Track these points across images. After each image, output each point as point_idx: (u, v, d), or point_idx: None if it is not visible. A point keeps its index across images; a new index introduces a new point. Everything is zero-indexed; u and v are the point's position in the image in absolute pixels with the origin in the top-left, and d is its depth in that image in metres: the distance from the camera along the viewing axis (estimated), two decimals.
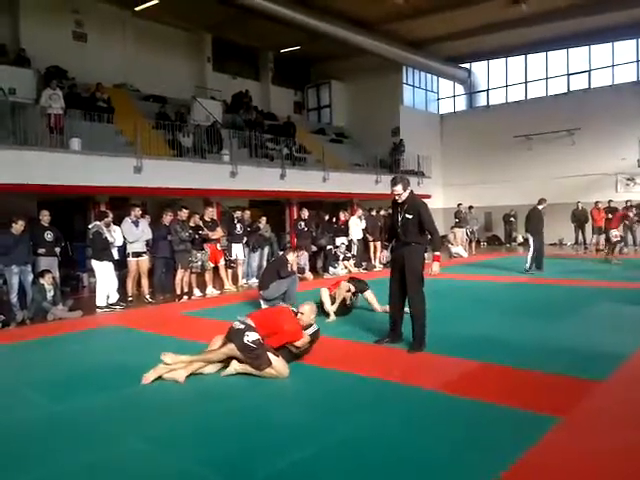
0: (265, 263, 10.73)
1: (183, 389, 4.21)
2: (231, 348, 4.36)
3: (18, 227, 7.80)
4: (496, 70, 21.55)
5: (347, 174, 17.03)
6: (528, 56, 20.52)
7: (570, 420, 3.33)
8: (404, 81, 21.29)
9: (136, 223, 8.99)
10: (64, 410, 3.85)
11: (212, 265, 9.77)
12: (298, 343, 4.70)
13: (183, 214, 9.26)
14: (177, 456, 3.05)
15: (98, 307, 8.32)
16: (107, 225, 8.55)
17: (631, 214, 14.63)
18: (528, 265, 10.88)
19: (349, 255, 12.50)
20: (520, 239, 18.10)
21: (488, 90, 21.77)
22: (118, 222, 9.01)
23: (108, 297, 8.45)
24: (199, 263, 9.33)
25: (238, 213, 10.81)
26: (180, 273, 9.20)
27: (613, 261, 12.17)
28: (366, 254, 13.50)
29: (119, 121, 13.12)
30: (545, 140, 19.42)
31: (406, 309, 5.27)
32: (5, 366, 5.30)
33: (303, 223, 12.12)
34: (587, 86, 19.31)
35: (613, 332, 5.65)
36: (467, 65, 21.87)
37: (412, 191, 5.27)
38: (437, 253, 5.21)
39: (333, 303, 6.97)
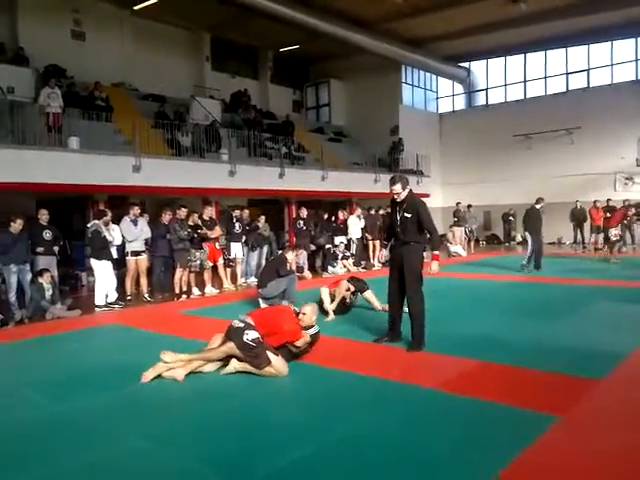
0: (264, 262, 10.73)
1: (182, 388, 4.21)
2: (230, 347, 4.36)
3: (17, 226, 7.78)
4: (495, 69, 21.54)
5: (346, 173, 17.03)
6: (527, 55, 20.51)
7: (569, 419, 3.34)
8: (403, 80, 21.28)
9: (135, 222, 8.98)
10: (63, 409, 3.85)
11: (211, 264, 9.76)
12: (298, 343, 4.70)
13: (182, 213, 9.25)
14: (177, 454, 3.05)
15: (97, 306, 8.32)
16: (106, 224, 8.54)
17: (630, 213, 14.65)
18: (525, 262, 10.92)
19: (348, 254, 12.51)
20: (519, 238, 18.14)
21: (487, 89, 21.75)
22: (117, 221, 9.00)
23: (107, 296, 8.45)
24: (198, 262, 9.32)
25: (237, 212, 10.80)
26: (179, 272, 9.20)
27: (612, 260, 12.18)
28: (365, 253, 13.50)
29: (118, 120, 13.10)
30: (544, 139, 19.43)
31: (405, 308, 5.27)
32: (4, 365, 5.29)
33: (302, 222, 12.11)
34: (586, 85, 19.30)
35: (612, 331, 5.66)
36: (466, 64, 21.86)
37: (411, 190, 5.27)
38: (436, 252, 5.22)
39: (332, 302, 6.97)
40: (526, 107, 20.05)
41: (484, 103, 21.84)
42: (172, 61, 17.67)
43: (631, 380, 4.13)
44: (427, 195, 17.69)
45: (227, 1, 14.28)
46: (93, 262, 8.46)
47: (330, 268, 12.00)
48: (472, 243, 16.78)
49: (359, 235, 13.25)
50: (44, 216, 8.54)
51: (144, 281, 9.16)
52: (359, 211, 13.66)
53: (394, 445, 3.05)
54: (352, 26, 16.72)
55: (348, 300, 7.13)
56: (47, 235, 8.43)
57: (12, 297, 7.72)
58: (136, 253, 9.01)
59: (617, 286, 8.76)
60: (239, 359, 4.38)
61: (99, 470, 2.91)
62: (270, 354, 4.34)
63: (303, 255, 11.37)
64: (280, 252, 9.37)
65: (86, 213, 12.03)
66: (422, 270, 5.16)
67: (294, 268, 7.98)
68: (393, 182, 5.17)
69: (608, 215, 14.27)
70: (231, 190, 13.55)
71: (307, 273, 11.40)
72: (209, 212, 10.00)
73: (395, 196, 5.20)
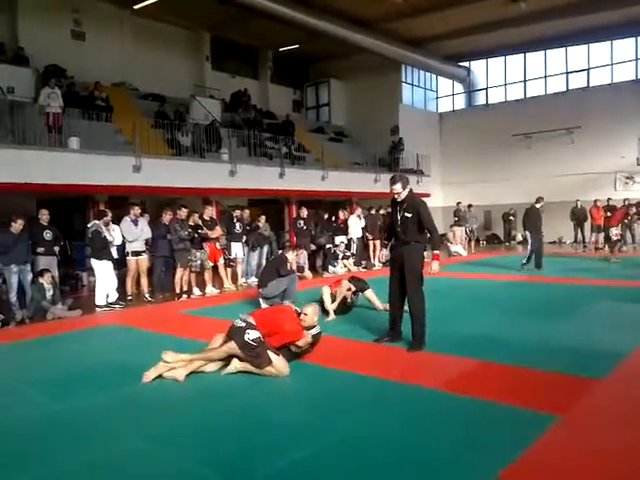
0: (264, 262, 10.73)
1: (183, 388, 4.20)
2: (231, 346, 4.36)
3: (17, 226, 7.79)
4: (495, 69, 21.53)
5: (346, 173, 17.02)
6: (527, 54, 20.51)
7: (570, 419, 3.34)
8: (403, 80, 21.27)
9: (135, 222, 8.98)
10: (64, 409, 3.85)
11: (211, 264, 9.76)
12: (300, 343, 4.70)
13: (182, 213, 9.25)
14: (177, 455, 3.05)
15: (97, 306, 8.33)
16: (106, 224, 8.54)
17: (631, 212, 14.64)
18: (525, 261, 10.93)
19: (348, 254, 12.51)
20: (519, 237, 18.14)
21: (487, 89, 21.75)
22: (117, 221, 9.00)
23: (107, 296, 8.45)
24: (198, 262, 9.32)
25: (237, 212, 10.80)
26: (179, 272, 9.20)
27: (612, 259, 12.18)
28: (365, 253, 13.50)
29: (118, 120, 13.10)
30: (544, 139, 19.42)
31: (406, 308, 5.27)
32: (4, 365, 5.29)
33: (302, 222, 12.11)
34: (586, 84, 19.29)
35: (612, 330, 5.66)
36: (466, 64, 21.86)
37: (411, 190, 5.27)
38: (436, 252, 5.21)
39: (333, 302, 6.97)
40: (526, 107, 20.05)
41: (484, 103, 21.84)
42: (172, 61, 17.66)
43: (632, 379, 4.12)
44: (427, 195, 17.69)
45: (227, 1, 14.28)
46: (93, 262, 8.46)
47: (330, 268, 12.00)
48: (472, 243, 16.77)
49: (359, 235, 13.25)
50: (44, 216, 8.55)
51: (145, 281, 9.16)
52: (359, 211, 13.66)
53: (394, 445, 3.05)
54: (352, 26, 16.72)
55: (349, 300, 7.13)
56: (48, 235, 8.43)
57: (13, 297, 7.73)
58: (136, 253, 9.01)
59: (617, 285, 8.76)
60: (240, 359, 4.38)
61: (98, 470, 2.91)
62: (271, 354, 4.34)
63: (303, 255, 11.37)
64: (280, 252, 9.37)
65: (86, 213, 12.03)
66: (423, 270, 5.16)
67: (294, 268, 7.98)
68: (393, 182, 5.17)
69: (609, 214, 14.26)
70: (231, 190, 13.54)
71: (307, 273, 11.40)
72: (209, 212, 10.00)
73: (395, 196, 5.19)
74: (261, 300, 7.49)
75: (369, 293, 7.14)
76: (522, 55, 20.61)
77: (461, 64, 21.69)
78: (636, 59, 18.45)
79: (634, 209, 14.87)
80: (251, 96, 18.89)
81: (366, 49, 17.79)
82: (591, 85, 19.15)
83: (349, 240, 12.96)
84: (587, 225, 16.21)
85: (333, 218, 13.40)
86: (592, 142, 18.44)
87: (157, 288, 9.38)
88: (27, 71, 12.92)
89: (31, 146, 10.37)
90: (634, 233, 15.79)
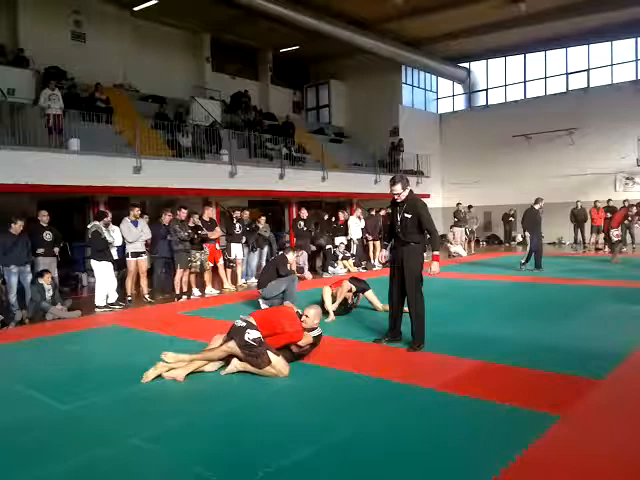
0: (264, 263, 10.74)
1: (183, 388, 4.21)
2: (231, 346, 4.36)
3: (17, 227, 7.80)
4: (495, 69, 21.54)
5: (346, 174, 17.04)
6: (527, 55, 20.52)
7: (569, 418, 3.34)
8: (403, 81, 21.28)
9: (135, 223, 8.98)
10: (63, 409, 3.85)
11: (211, 265, 9.77)
12: (300, 343, 4.70)
13: (182, 214, 9.25)
14: (177, 455, 3.05)
15: (97, 307, 8.33)
16: (106, 225, 8.54)
17: (631, 213, 14.62)
18: (524, 260, 10.93)
19: (348, 255, 12.51)
20: (519, 238, 18.14)
21: (487, 89, 21.76)
22: (117, 222, 9.00)
23: (107, 297, 8.46)
24: (198, 263, 9.32)
25: (237, 213, 10.81)
26: (179, 273, 9.19)
27: (612, 260, 12.17)
28: (365, 254, 13.51)
29: (118, 121, 13.11)
30: (544, 139, 19.42)
31: (405, 308, 5.27)
32: (4, 366, 5.29)
33: (302, 223, 12.11)
34: (586, 85, 19.30)
35: (612, 331, 5.66)
36: (466, 64, 21.88)
37: (411, 191, 5.27)
38: (436, 252, 5.21)
39: (334, 302, 6.97)
40: (526, 108, 20.04)
41: (484, 103, 21.84)
42: (172, 62, 17.69)
43: (631, 379, 4.12)
44: (427, 195, 17.71)
45: (226, 2, 14.30)
46: (93, 263, 8.46)
47: (330, 269, 12.01)
48: (472, 243, 16.77)
49: (359, 235, 13.25)
50: (44, 217, 8.55)
51: (144, 282, 9.16)
52: (359, 212, 13.66)
53: (394, 445, 3.05)
54: (352, 27, 16.75)
55: (350, 301, 7.14)
56: (47, 236, 8.44)
57: (12, 298, 7.73)
58: (136, 254, 9.00)
59: (617, 286, 8.76)
60: (240, 359, 4.38)
61: (98, 470, 2.91)
62: (271, 354, 4.34)
63: (303, 256, 11.38)
64: (280, 252, 9.37)
65: (86, 214, 12.05)
66: (422, 270, 5.17)
67: (294, 269, 7.98)
68: (393, 183, 5.17)
69: (609, 215, 14.26)
70: (231, 191, 13.56)
71: (307, 274, 11.40)
72: (209, 213, 10.00)
73: (395, 197, 5.20)
74: (260, 301, 7.49)
75: (370, 294, 7.15)
76: (522, 56, 20.62)
77: (461, 65, 21.71)
78: (636, 60, 18.45)
79: (634, 209, 14.85)
80: (251, 97, 18.92)
81: (366, 50, 17.81)
82: (591, 86, 19.15)
83: (349, 241, 12.97)
84: (587, 226, 16.21)
85: (333, 219, 13.40)
86: (592, 143, 18.44)
87: (157, 289, 9.38)
88: (27, 72, 12.96)
89: (31, 147, 10.39)
90: (634, 233, 15.78)
